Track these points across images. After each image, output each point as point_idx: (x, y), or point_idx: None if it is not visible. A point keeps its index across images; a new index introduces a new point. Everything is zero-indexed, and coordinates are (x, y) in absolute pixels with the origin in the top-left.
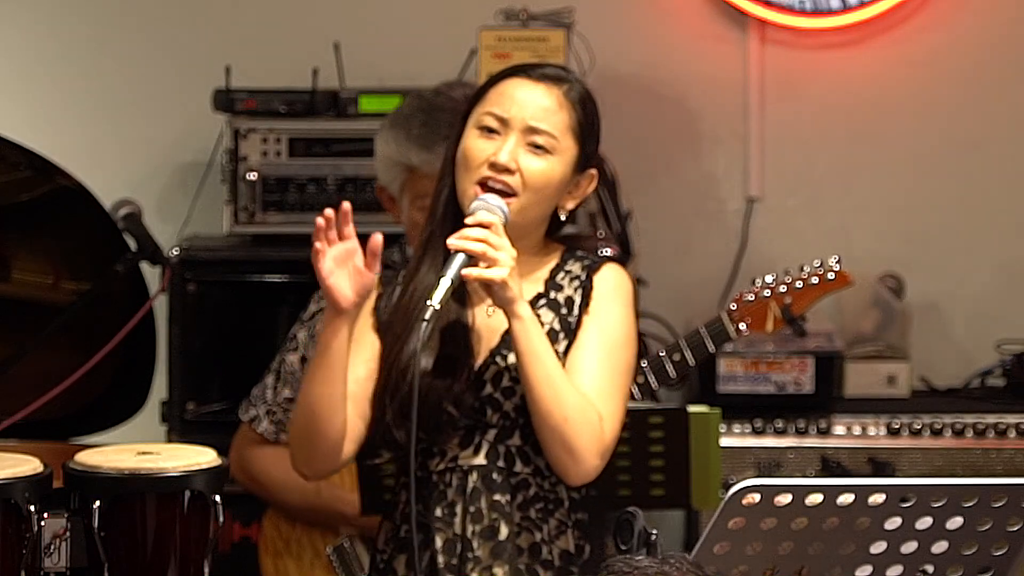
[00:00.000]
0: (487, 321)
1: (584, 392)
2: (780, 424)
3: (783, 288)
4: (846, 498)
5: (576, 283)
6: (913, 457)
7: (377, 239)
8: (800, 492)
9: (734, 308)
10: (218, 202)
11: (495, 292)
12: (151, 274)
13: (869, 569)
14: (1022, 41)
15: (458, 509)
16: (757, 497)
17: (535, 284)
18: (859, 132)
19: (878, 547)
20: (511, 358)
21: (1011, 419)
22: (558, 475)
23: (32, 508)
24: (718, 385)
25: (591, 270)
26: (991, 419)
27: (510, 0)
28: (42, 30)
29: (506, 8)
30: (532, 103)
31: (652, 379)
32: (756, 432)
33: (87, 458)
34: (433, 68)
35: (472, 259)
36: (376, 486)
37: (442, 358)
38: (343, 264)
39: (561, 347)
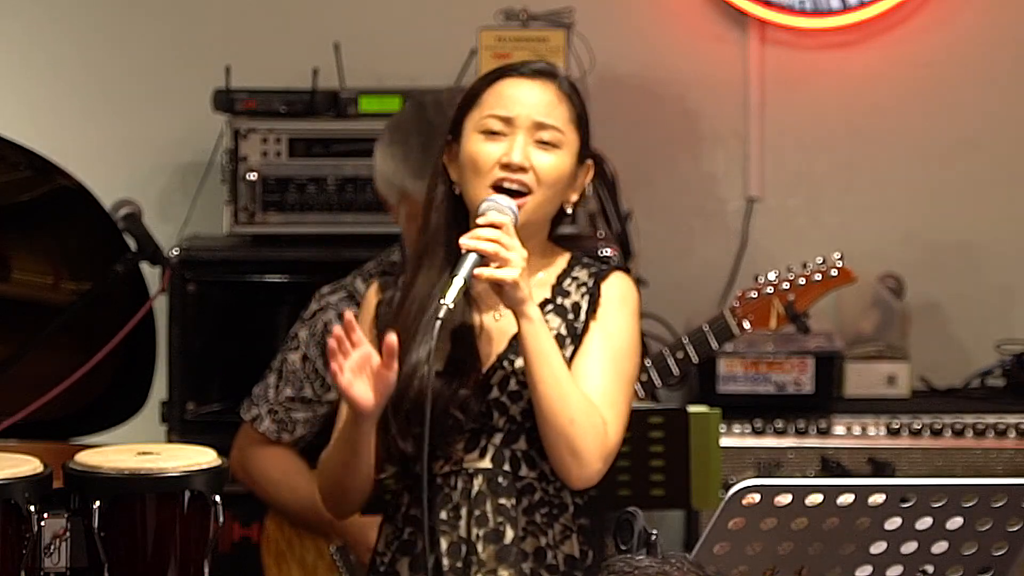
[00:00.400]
0: (495, 325)
1: (589, 397)
2: (780, 424)
3: (786, 285)
4: (846, 498)
5: (583, 290)
6: (913, 457)
7: (392, 340)
8: (800, 492)
9: (737, 305)
10: (218, 202)
11: (506, 292)
12: (151, 274)
13: (869, 569)
14: (1022, 41)
15: (463, 512)
16: (757, 497)
17: (542, 289)
18: (859, 132)
19: (878, 547)
20: (518, 362)
21: (1011, 419)
22: (561, 478)
23: (32, 508)
24: (718, 385)
25: (599, 278)
26: (991, 419)
27: (510, 0)
28: (42, 30)
29: (506, 8)
30: (534, 100)
31: (655, 376)
32: (756, 432)
33: (87, 458)
34: (433, 68)
35: (483, 259)
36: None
37: (449, 362)
38: (361, 372)
39: (567, 352)
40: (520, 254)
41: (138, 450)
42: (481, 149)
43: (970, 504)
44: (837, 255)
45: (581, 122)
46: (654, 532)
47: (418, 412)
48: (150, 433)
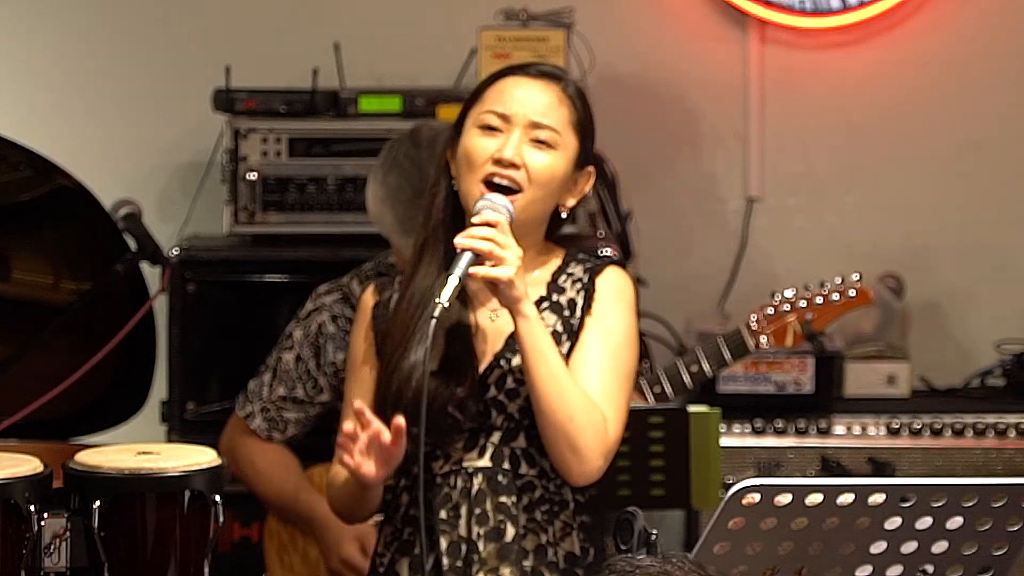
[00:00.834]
0: (491, 325)
1: (588, 393)
2: (780, 424)
3: (803, 303)
4: (846, 498)
5: (578, 285)
6: (913, 457)
7: (400, 422)
8: (800, 492)
9: (754, 321)
10: (218, 202)
11: (501, 291)
12: (151, 274)
13: (869, 569)
14: (1022, 41)
15: (463, 511)
16: (757, 497)
17: (538, 287)
18: (859, 132)
19: (878, 547)
20: (515, 361)
21: (1011, 419)
22: (561, 475)
23: (32, 508)
24: (718, 385)
25: (593, 272)
26: (991, 419)
27: (510, 0)
28: (42, 30)
29: (506, 8)
30: (533, 99)
31: (668, 388)
32: (756, 432)
33: (87, 458)
34: (433, 68)
35: (479, 258)
36: None
37: (446, 362)
38: (369, 452)
39: (564, 349)
40: (515, 252)
41: (138, 450)
42: (477, 143)
43: (970, 504)
44: (856, 275)
45: (582, 127)
46: (654, 532)
47: (416, 412)
48: (150, 433)
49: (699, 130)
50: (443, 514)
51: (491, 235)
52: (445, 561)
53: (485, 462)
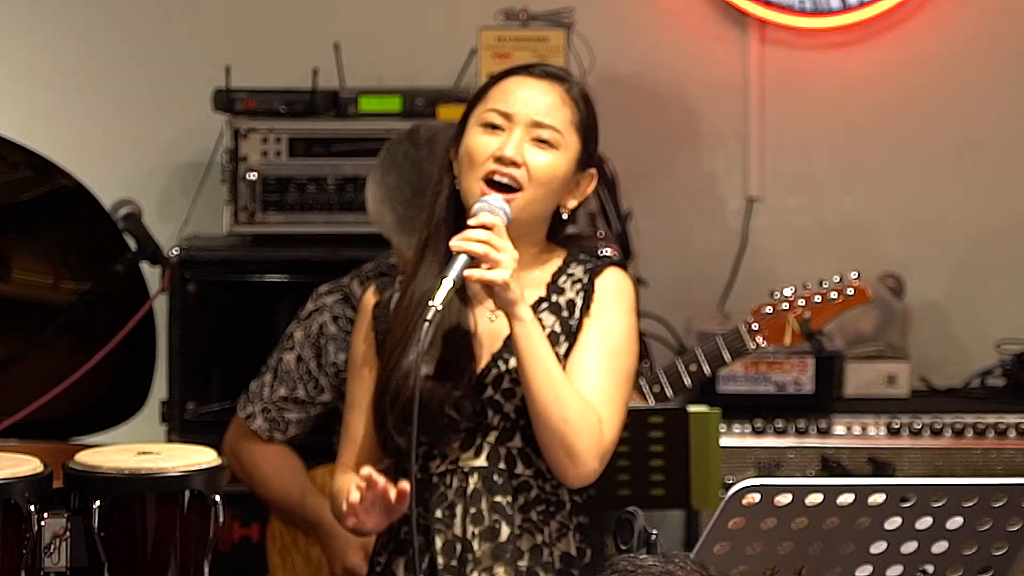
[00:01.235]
0: (489, 326)
1: (584, 395)
2: (780, 424)
3: (802, 302)
4: (846, 498)
5: (578, 286)
6: (913, 457)
7: (404, 486)
8: (800, 492)
9: (752, 321)
10: (218, 202)
11: (496, 294)
12: (151, 274)
13: (869, 569)
14: (1022, 41)
15: (458, 511)
16: (757, 497)
17: (537, 288)
18: (859, 132)
19: (878, 547)
20: (512, 362)
21: (1011, 419)
22: (556, 477)
23: (32, 508)
24: (718, 385)
25: (593, 273)
26: (991, 419)
27: (510, 0)
28: (42, 30)
29: (506, 8)
30: (536, 99)
31: (668, 388)
32: (756, 432)
33: (87, 458)
34: (433, 68)
35: (474, 260)
36: None
37: (443, 362)
38: (374, 508)
39: (562, 350)
40: (511, 255)
41: (138, 450)
42: (478, 141)
43: (970, 504)
44: (854, 274)
45: (585, 129)
46: (654, 532)
47: (411, 413)
48: (150, 433)
49: (699, 130)
50: (439, 513)
51: (487, 237)
52: (440, 560)
53: (481, 462)
